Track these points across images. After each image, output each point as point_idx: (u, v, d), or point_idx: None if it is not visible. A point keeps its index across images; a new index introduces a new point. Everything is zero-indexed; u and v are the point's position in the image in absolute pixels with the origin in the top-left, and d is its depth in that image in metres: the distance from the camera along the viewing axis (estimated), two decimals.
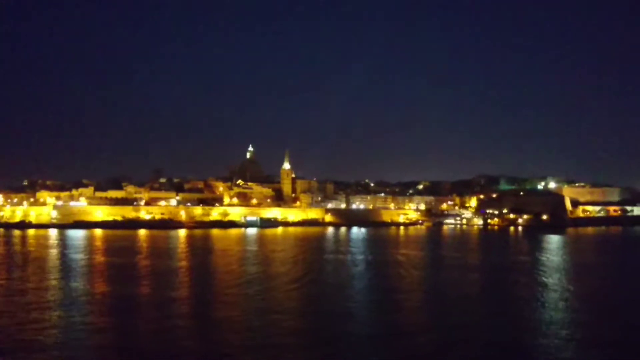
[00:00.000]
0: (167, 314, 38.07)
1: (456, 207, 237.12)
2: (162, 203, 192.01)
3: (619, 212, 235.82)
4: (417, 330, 34.38)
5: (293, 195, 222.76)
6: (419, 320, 37.59)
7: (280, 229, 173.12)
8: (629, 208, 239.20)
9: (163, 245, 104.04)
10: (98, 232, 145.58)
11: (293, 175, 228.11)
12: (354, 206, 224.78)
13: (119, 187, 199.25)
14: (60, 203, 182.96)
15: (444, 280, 57.10)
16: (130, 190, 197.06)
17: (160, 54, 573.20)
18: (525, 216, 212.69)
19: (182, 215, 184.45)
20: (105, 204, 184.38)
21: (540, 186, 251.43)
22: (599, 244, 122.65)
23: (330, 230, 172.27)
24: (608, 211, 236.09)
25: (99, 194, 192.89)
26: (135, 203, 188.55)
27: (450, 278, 58.89)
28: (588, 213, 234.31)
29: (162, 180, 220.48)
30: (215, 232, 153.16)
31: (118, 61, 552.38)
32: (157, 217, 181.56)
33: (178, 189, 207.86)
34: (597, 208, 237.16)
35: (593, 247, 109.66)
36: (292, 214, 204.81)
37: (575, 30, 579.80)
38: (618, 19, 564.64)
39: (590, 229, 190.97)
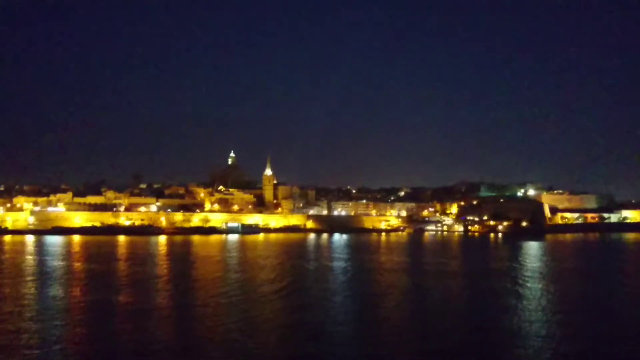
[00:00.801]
0: (146, 322, 37.49)
1: (437, 214, 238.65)
2: (142, 209, 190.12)
3: (597, 219, 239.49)
4: (397, 336, 34.31)
5: (275, 201, 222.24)
6: (400, 326, 37.50)
7: (261, 235, 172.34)
8: (606, 215, 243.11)
9: (143, 251, 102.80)
10: (76, 238, 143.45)
11: (275, 182, 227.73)
12: (335, 212, 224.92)
13: (98, 193, 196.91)
14: (37, 208, 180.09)
15: (424, 287, 57.18)
16: (109, 195, 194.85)
17: (141, 58, 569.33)
18: (505, 223, 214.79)
19: (163, 221, 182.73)
20: (84, 210, 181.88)
21: (520, 193, 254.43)
22: (577, 250, 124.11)
23: (311, 236, 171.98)
24: (586, 218, 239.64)
25: (77, 199, 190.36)
26: (114, 209, 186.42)
27: (431, 284, 59.02)
28: (566, 220, 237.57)
29: (142, 185, 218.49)
30: (196, 238, 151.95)
31: (96, 66, 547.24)
32: (137, 223, 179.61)
33: (158, 194, 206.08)
34: (575, 215, 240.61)
35: (571, 254, 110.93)
36: (274, 220, 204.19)
37: (553, 39, 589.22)
38: (598, 29, 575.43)
39: (568, 236, 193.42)
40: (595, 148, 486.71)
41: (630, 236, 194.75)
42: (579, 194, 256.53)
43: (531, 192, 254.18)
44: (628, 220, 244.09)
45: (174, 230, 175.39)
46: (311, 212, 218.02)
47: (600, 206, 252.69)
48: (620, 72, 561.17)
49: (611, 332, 35.91)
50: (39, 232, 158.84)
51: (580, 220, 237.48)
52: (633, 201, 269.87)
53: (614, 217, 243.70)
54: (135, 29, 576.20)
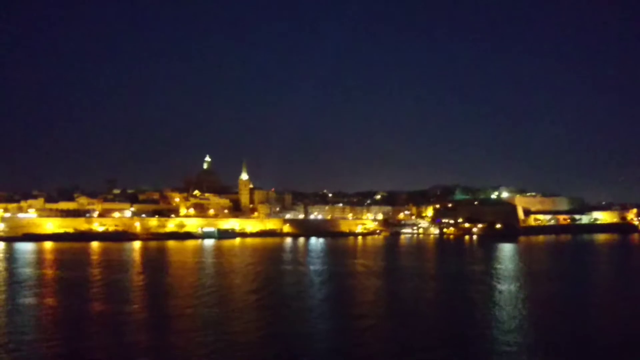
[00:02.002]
0: (121, 329, 37.07)
1: (413, 217, 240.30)
2: (116, 214, 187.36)
3: (568, 220, 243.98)
4: (374, 339, 34.53)
5: (251, 205, 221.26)
6: (377, 329, 37.72)
7: (238, 240, 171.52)
8: (577, 217, 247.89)
9: (117, 257, 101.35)
10: (48, 245, 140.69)
11: (251, 186, 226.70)
12: (312, 216, 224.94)
13: (71, 199, 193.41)
14: (7, 215, 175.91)
15: (401, 290, 57.62)
16: (82, 201, 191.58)
17: (114, 63, 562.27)
18: (479, 225, 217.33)
19: (137, 226, 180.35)
20: (56, 216, 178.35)
21: (494, 196, 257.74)
22: (549, 252, 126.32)
23: (288, 240, 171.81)
24: (558, 220, 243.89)
25: (49, 205, 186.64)
26: (87, 215, 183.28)
27: (408, 287, 59.54)
28: (539, 222, 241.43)
29: (116, 191, 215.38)
30: (171, 243, 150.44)
31: (68, 71, 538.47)
32: (111, 229, 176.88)
33: (132, 200, 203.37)
34: (548, 217, 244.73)
35: (544, 255, 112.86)
36: (250, 225, 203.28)
37: (524, 43, 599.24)
38: (565, 34, 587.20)
39: (541, 237, 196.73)
40: (566, 151, 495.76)
41: (601, 237, 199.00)
42: (551, 197, 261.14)
43: (505, 194, 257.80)
44: (598, 222, 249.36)
45: (149, 236, 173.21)
46: (288, 216, 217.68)
47: (572, 208, 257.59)
48: (591, 77, 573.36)
49: (580, 334, 36.68)
50: (9, 239, 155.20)
51: (552, 222, 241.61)
52: (603, 203, 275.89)
53: (585, 219, 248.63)
54: (106, 33, 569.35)
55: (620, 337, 35.65)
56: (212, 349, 31.86)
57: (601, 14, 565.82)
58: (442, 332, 36.72)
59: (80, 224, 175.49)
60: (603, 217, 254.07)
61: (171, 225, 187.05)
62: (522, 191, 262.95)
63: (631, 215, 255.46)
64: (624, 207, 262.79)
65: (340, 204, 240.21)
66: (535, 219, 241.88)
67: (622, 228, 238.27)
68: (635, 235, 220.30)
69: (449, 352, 31.63)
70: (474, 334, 35.88)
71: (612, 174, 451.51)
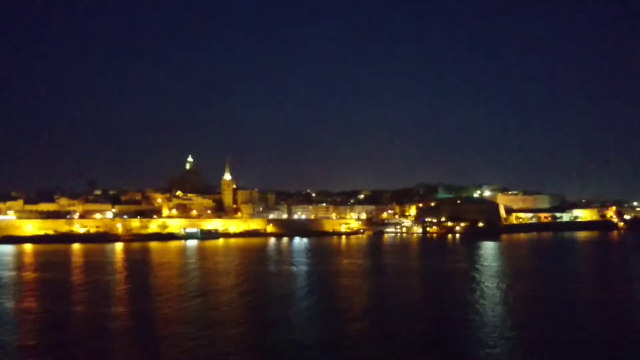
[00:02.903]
0: (104, 331, 36.60)
1: (396, 216, 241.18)
2: (98, 216, 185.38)
3: (549, 218, 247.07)
4: (360, 337, 34.53)
5: (234, 206, 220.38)
6: (362, 328, 37.71)
7: (221, 241, 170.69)
8: (558, 215, 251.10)
9: (99, 259, 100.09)
10: (28, 247, 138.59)
11: (234, 186, 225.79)
12: (295, 216, 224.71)
13: (51, 200, 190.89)
14: None
15: (385, 288, 57.77)
16: (62, 202, 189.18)
17: (95, 63, 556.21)
18: (462, 224, 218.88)
19: (119, 228, 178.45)
20: (36, 218, 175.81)
21: (477, 194, 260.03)
22: (531, 249, 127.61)
23: (272, 240, 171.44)
24: (539, 218, 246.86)
25: (28, 207, 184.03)
26: (68, 216, 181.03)
27: (392, 285, 59.71)
28: (521, 220, 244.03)
29: (97, 192, 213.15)
30: (153, 244, 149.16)
31: (47, 71, 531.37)
32: (92, 230, 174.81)
33: (114, 201, 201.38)
34: (529, 215, 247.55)
35: (526, 253, 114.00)
36: (234, 225, 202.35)
37: (504, 43, 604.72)
38: (549, 34, 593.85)
39: (523, 235, 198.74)
40: (548, 150, 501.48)
41: (581, 234, 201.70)
42: (533, 195, 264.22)
43: (487, 193, 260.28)
44: (579, 219, 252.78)
45: (131, 237, 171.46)
46: (271, 216, 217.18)
47: (553, 206, 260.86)
48: (572, 77, 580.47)
49: (560, 331, 37.03)
50: None
51: (534, 220, 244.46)
52: (583, 201, 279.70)
53: (565, 217, 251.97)
54: (88, 34, 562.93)
55: (601, 333, 36.05)
56: (197, 354, 31.60)
57: (579, 13, 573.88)
58: (425, 330, 36.83)
59: (61, 226, 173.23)
60: (583, 214, 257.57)
61: (154, 226, 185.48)
62: (504, 189, 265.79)
63: (610, 212, 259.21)
64: (603, 205, 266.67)
65: (324, 204, 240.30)
66: (517, 217, 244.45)
67: (602, 225, 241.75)
68: (615, 233, 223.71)
69: (432, 349, 31.73)
70: (457, 332, 36.07)
71: (592, 172, 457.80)
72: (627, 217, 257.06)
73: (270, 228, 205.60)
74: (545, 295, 52.35)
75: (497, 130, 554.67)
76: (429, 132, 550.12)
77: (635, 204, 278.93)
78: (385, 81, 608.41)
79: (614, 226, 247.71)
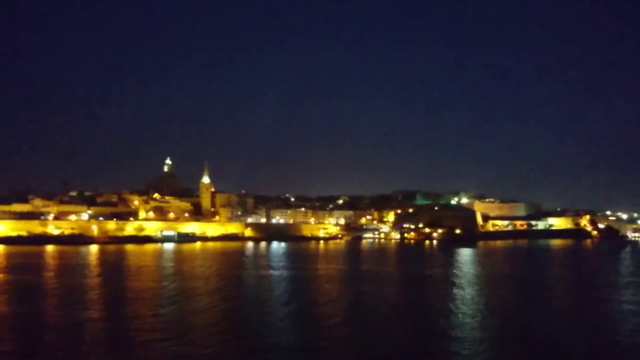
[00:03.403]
0: (76, 336, 35.97)
1: (375, 222, 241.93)
2: (73, 217, 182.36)
3: (525, 226, 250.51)
4: (335, 343, 34.46)
5: (212, 209, 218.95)
6: (338, 334, 37.66)
7: (198, 244, 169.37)
8: (533, 222, 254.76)
9: (73, 261, 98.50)
10: (0, 248, 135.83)
11: (212, 189, 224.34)
12: (274, 220, 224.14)
13: (25, 200, 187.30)
14: None
15: (362, 294, 57.81)
16: (37, 203, 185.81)
17: (72, 61, 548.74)
18: (439, 230, 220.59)
19: (94, 230, 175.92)
20: (9, 218, 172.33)
21: (454, 201, 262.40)
22: (506, 256, 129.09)
23: (250, 244, 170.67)
24: (515, 225, 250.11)
25: (1, 207, 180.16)
26: (42, 217, 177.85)
27: (369, 292, 59.77)
28: (497, 227, 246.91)
29: (73, 193, 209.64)
30: (130, 247, 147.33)
31: (21, 69, 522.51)
32: (67, 232, 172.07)
33: (90, 202, 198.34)
34: (506, 222, 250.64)
35: (501, 260, 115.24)
36: (211, 229, 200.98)
37: (490, 52, 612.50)
38: (520, 36, 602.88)
39: (499, 242, 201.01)
40: (524, 159, 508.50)
41: (556, 242, 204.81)
42: (509, 203, 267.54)
43: (464, 200, 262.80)
44: (554, 227, 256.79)
45: (107, 240, 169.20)
46: (249, 220, 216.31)
47: (529, 214, 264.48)
48: (550, 84, 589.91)
49: (535, 337, 37.46)
50: None
51: (510, 228, 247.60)
52: (558, 209, 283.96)
53: (541, 225, 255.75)
54: (66, 33, 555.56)
55: (574, 339, 36.54)
56: (173, 356, 31.26)
57: (562, 18, 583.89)
58: (400, 337, 36.93)
59: (35, 227, 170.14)
60: (558, 223, 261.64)
61: (130, 228, 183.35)
62: (481, 197, 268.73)
63: (584, 221, 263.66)
64: (577, 214, 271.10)
65: (303, 208, 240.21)
66: (494, 225, 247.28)
67: (576, 234, 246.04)
68: (588, 241, 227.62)
69: (407, 356, 31.84)
70: (434, 338, 36.22)
71: (568, 181, 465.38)
72: (600, 225, 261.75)
73: (248, 232, 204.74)
74: (520, 302, 52.97)
75: (475, 138, 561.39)
76: (408, 139, 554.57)
77: (608, 213, 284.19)
78: (365, 87, 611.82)
79: (588, 234, 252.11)
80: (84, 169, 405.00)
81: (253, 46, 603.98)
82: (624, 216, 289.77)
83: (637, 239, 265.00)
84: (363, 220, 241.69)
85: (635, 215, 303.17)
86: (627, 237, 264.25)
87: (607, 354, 33.19)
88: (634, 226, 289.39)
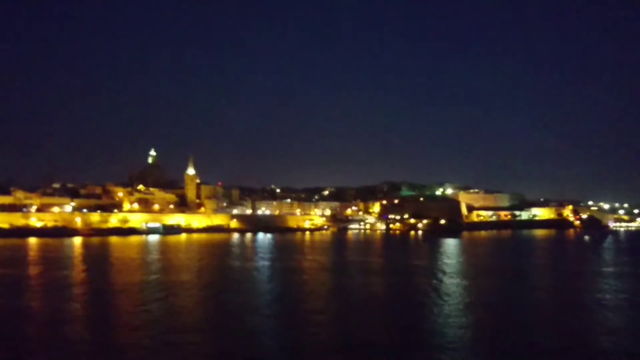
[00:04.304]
0: (60, 330, 35.65)
1: (360, 213, 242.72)
2: (56, 209, 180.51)
3: (509, 216, 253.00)
4: (321, 334, 34.56)
5: (197, 201, 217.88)
6: (324, 324, 37.76)
7: (184, 236, 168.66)
8: (517, 213, 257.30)
9: (56, 254, 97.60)
10: None
11: (198, 181, 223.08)
12: (260, 212, 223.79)
13: (7, 192, 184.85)
14: None
15: (347, 285, 57.98)
16: (19, 195, 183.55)
17: (55, 53, 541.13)
18: (425, 221, 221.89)
19: (78, 222, 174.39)
20: None
21: (439, 192, 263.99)
22: (490, 247, 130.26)
23: (235, 236, 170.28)
24: (499, 216, 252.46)
25: None
26: (24, 209, 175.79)
27: (354, 282, 59.97)
28: (481, 218, 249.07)
29: (56, 185, 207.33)
30: (114, 239, 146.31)
31: (8, 59, 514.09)
32: (50, 224, 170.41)
33: (73, 194, 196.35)
34: (490, 213, 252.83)
35: (485, 250, 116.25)
36: (197, 220, 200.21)
37: (475, 43, 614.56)
38: (525, 32, 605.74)
39: (483, 233, 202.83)
40: (508, 150, 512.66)
41: (539, 232, 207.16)
42: (493, 193, 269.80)
43: (449, 191, 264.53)
44: (537, 218, 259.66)
45: (91, 232, 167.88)
46: (235, 211, 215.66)
47: (512, 204, 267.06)
48: (534, 76, 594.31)
49: (517, 328, 37.87)
50: None
51: (494, 218, 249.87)
52: (542, 200, 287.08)
53: (524, 215, 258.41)
54: (50, 24, 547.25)
55: (556, 331, 36.99)
56: (157, 348, 31.11)
57: (547, 20, 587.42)
58: (387, 327, 37.12)
59: (17, 219, 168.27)
60: (541, 213, 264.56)
61: (114, 220, 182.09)
62: (466, 188, 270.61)
63: (567, 211, 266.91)
64: (560, 204, 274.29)
65: (288, 200, 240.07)
66: (478, 215, 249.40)
67: (559, 224, 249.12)
68: (571, 231, 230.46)
69: (394, 347, 32.00)
70: (418, 328, 36.45)
71: (551, 171, 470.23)
72: (583, 216, 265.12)
73: (234, 224, 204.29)
74: (504, 292, 53.54)
75: (460, 130, 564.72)
76: (394, 130, 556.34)
77: (590, 203, 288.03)
78: (351, 79, 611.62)
79: (570, 225, 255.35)
80: (67, 161, 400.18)
81: (239, 38, 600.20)
82: (606, 206, 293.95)
83: (618, 228, 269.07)
84: (349, 212, 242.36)
85: (617, 205, 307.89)
86: (608, 227, 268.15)
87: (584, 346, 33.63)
88: (616, 216, 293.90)
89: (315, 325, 37.39)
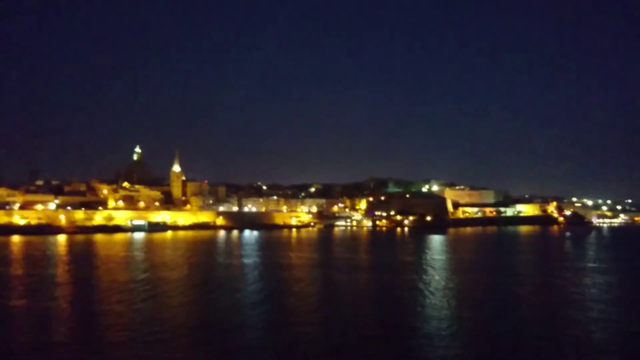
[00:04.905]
0: (44, 328, 35.33)
1: (347, 209, 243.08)
2: (39, 207, 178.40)
3: (494, 213, 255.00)
4: (307, 330, 34.62)
5: (183, 198, 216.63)
6: (311, 321, 37.83)
7: (169, 233, 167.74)
8: (502, 209, 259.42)
9: (39, 252, 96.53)
10: None
11: (183, 178, 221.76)
12: (246, 209, 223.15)
13: None
14: None
15: (335, 281, 58.10)
16: (1, 192, 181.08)
17: (40, 47, 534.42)
18: (411, 217, 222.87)
19: (62, 219, 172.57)
20: None
21: (425, 189, 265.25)
22: (476, 243, 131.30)
23: (222, 233, 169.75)
24: (484, 212, 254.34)
25: None
26: (7, 207, 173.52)
27: (341, 279, 60.10)
28: (467, 214, 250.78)
29: (39, 182, 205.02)
30: (99, 237, 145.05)
31: None
32: (34, 222, 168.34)
33: (57, 191, 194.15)
34: (475, 209, 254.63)
35: (471, 247, 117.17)
36: (182, 218, 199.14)
37: (459, 40, 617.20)
38: (506, 30, 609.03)
39: (469, 229, 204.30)
40: (493, 147, 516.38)
41: (524, 229, 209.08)
42: (479, 190, 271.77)
43: (435, 188, 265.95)
44: (522, 214, 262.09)
45: (75, 230, 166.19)
46: (221, 208, 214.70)
47: (498, 201, 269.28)
48: (517, 73, 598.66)
49: (501, 323, 38.25)
50: None
51: (479, 215, 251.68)
52: (526, 196, 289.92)
53: (509, 211, 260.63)
54: (34, 20, 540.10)
55: (539, 324, 37.42)
56: (144, 345, 30.98)
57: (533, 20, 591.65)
58: (373, 323, 37.28)
59: None
60: (526, 209, 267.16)
61: (99, 218, 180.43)
62: (451, 184, 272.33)
63: (551, 207, 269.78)
64: (545, 200, 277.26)
65: (275, 197, 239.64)
66: (464, 212, 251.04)
67: (543, 220, 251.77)
68: (555, 227, 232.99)
69: (381, 341, 32.17)
70: (404, 324, 36.65)
71: (536, 168, 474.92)
72: (566, 212, 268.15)
73: (220, 221, 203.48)
74: (488, 287, 54.02)
75: (446, 127, 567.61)
76: (380, 127, 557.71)
77: (574, 199, 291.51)
78: (336, 76, 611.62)
79: (555, 221, 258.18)
80: (51, 158, 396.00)
81: (224, 35, 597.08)
82: (589, 202, 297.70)
83: (601, 224, 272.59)
84: (335, 208, 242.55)
85: (600, 201, 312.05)
86: (592, 223, 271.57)
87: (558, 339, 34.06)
88: (599, 212, 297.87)
89: (301, 321, 37.46)
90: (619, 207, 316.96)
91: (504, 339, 32.69)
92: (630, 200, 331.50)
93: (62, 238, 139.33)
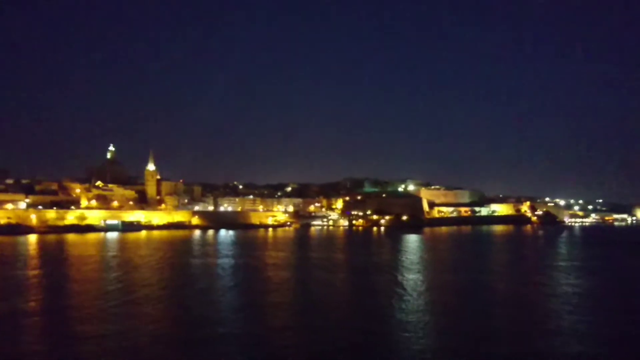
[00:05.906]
0: (15, 329, 34.41)
1: (323, 209, 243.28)
2: (9, 206, 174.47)
3: (469, 212, 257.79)
4: (282, 330, 34.36)
5: (158, 197, 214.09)
6: (285, 321, 37.56)
7: (144, 233, 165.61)
8: (477, 209, 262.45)
9: (9, 252, 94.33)
10: None
11: (158, 177, 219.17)
12: (222, 208, 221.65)
13: None
14: None
15: (309, 281, 57.89)
16: None
17: (11, 48, 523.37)
18: (387, 217, 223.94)
19: (33, 219, 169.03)
20: None
21: (401, 189, 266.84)
22: (451, 242, 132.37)
23: (197, 233, 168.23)
24: (460, 212, 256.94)
25: None
26: None
27: (316, 279, 59.92)
28: (443, 213, 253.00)
29: (9, 181, 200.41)
30: (71, 237, 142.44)
31: None
32: (3, 221, 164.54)
33: (28, 190, 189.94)
34: (450, 209, 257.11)
35: (446, 246, 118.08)
36: (157, 217, 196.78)
37: (445, 39, 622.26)
38: (490, 41, 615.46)
39: (444, 228, 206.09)
40: (468, 147, 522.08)
41: (498, 228, 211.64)
42: (454, 190, 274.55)
43: (411, 187, 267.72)
44: (496, 214, 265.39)
45: (47, 229, 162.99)
46: (197, 208, 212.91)
47: (472, 201, 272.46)
48: (495, 73, 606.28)
49: (477, 322, 38.49)
50: None
51: (454, 214, 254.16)
52: (501, 196, 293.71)
53: (484, 211, 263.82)
54: (9, 21, 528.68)
55: (516, 322, 37.75)
56: (116, 345, 30.35)
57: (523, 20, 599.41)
58: (348, 323, 37.18)
59: None
60: (500, 209, 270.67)
61: (71, 217, 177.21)
62: (427, 184, 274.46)
63: (525, 207, 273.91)
64: (518, 200, 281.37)
65: (251, 196, 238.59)
66: (439, 211, 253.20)
67: (517, 219, 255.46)
68: (528, 227, 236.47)
69: (356, 342, 32.07)
70: (378, 324, 36.63)
71: (510, 168, 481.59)
72: (539, 212, 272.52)
73: (195, 220, 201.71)
74: (462, 286, 54.38)
75: (422, 127, 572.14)
76: (356, 127, 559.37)
77: (547, 199, 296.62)
78: (313, 76, 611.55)
79: (528, 220, 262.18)
80: (22, 156, 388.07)
81: (201, 33, 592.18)
82: (562, 202, 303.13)
83: (573, 224, 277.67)
84: (312, 208, 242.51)
85: (572, 201, 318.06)
86: (564, 222, 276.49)
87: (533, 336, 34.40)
88: (571, 212, 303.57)
89: (276, 322, 37.16)
90: (590, 207, 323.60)
91: (475, 334, 32.82)
92: (601, 200, 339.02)
93: (32, 238, 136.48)
